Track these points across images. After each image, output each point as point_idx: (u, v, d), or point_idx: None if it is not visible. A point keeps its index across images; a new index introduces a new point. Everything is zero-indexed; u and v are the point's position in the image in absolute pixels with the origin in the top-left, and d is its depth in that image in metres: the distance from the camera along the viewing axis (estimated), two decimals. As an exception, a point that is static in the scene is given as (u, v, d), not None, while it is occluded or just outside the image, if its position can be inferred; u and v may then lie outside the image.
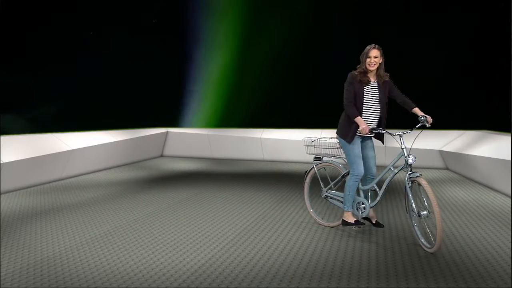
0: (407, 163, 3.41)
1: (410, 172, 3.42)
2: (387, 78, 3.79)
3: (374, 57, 3.66)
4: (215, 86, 12.41)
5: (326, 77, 10.57)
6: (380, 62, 3.70)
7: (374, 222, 4.00)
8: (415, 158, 3.40)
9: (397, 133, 3.58)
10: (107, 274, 2.95)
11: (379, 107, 3.76)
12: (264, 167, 8.56)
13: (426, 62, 9.29)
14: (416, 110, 3.65)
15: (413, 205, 3.36)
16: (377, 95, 3.75)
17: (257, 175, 7.57)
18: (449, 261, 3.11)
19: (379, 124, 3.78)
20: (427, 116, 3.54)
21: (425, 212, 3.32)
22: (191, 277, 2.87)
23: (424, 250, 3.34)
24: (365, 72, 3.73)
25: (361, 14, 10.31)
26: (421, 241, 3.40)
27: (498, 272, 2.89)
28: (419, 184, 3.37)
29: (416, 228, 3.50)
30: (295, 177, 7.14)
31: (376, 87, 3.77)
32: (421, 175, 3.35)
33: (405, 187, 3.45)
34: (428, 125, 3.53)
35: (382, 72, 3.75)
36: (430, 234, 3.41)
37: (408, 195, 3.40)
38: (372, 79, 3.77)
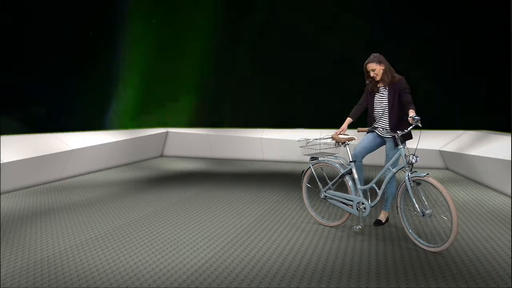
0: (409, 163, 3.38)
1: (412, 172, 3.40)
2: (394, 81, 3.81)
3: (372, 70, 3.82)
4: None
5: (326, 78, 10.58)
6: (382, 68, 3.79)
7: (378, 219, 4.04)
8: (417, 158, 3.37)
9: (387, 134, 3.61)
10: (107, 274, 2.95)
11: (387, 111, 3.83)
12: (264, 167, 8.56)
13: (426, 62, 9.28)
14: (409, 111, 3.55)
15: (416, 205, 3.36)
16: (386, 100, 3.84)
17: (257, 175, 7.57)
18: (449, 261, 3.11)
19: (395, 127, 3.74)
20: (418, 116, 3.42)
21: (429, 211, 3.33)
22: (191, 277, 2.87)
23: (425, 250, 3.34)
24: (373, 81, 3.89)
25: (360, 14, 10.31)
26: (420, 242, 3.40)
27: (498, 272, 2.90)
28: (418, 184, 3.38)
29: (410, 229, 3.50)
30: (295, 177, 7.14)
31: (386, 92, 3.86)
32: (428, 174, 3.31)
33: (406, 187, 3.42)
34: (420, 125, 3.41)
35: (386, 77, 3.80)
36: (442, 232, 3.47)
37: (409, 195, 3.38)
38: (381, 85, 3.89)
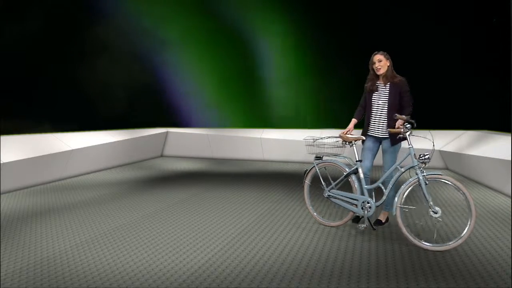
0: (423, 162, 3.41)
1: (424, 172, 3.42)
2: (396, 80, 3.85)
3: (378, 61, 3.87)
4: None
5: (326, 79, 10.58)
6: (388, 64, 3.87)
7: (378, 219, 4.04)
8: (430, 158, 3.41)
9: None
10: (107, 274, 2.95)
11: (386, 110, 3.84)
12: (264, 167, 8.56)
13: (426, 62, 9.29)
14: (402, 116, 3.61)
15: (431, 203, 3.40)
16: (386, 98, 3.86)
17: (257, 175, 7.57)
18: (449, 261, 3.12)
19: (391, 127, 3.76)
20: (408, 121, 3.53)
21: (439, 209, 3.40)
22: (191, 277, 2.87)
23: (426, 250, 3.34)
24: (374, 78, 3.94)
25: (361, 14, 10.32)
26: (419, 242, 3.40)
27: (498, 272, 2.90)
28: (425, 183, 3.40)
29: (409, 231, 3.51)
30: (295, 177, 7.14)
31: (386, 90, 3.89)
32: (441, 174, 3.38)
33: (412, 187, 3.47)
34: (407, 135, 3.54)
35: (389, 73, 3.87)
36: (455, 230, 3.55)
37: (424, 194, 3.39)
38: (382, 83, 3.91)
